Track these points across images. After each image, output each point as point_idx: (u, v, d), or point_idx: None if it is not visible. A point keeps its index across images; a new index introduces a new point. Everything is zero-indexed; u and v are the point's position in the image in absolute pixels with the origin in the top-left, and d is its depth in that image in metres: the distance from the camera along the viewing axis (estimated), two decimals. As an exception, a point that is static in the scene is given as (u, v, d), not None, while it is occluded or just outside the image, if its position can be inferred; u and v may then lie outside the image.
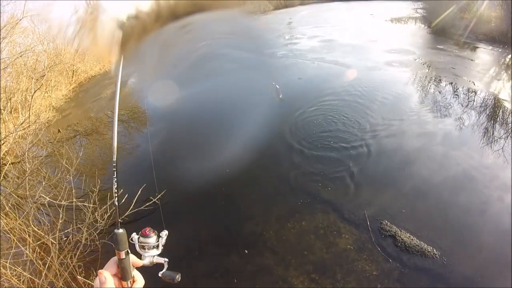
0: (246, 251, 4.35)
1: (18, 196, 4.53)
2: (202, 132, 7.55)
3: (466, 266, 3.90)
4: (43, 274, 2.92)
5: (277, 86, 9.45)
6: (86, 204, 4.06)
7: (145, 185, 5.11)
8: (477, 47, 13.78)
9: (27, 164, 4.72)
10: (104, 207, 4.22)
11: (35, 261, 2.91)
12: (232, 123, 7.89)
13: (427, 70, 10.76)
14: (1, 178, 4.94)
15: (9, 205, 3.91)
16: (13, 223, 3.26)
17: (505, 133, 6.69)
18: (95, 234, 3.82)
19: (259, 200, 5.37)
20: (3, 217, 3.17)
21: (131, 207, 4.69)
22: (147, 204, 4.98)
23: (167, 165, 6.41)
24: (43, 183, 4.49)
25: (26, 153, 5.01)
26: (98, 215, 4.06)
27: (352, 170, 5.68)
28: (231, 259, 4.28)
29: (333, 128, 7.06)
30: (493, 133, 6.74)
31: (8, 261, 2.76)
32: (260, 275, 4.02)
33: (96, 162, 6.96)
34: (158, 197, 5.10)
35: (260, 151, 6.34)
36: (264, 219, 4.89)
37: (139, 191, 4.94)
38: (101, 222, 4.01)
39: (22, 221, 3.31)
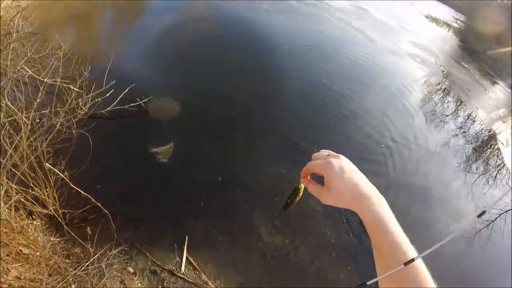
0: (219, 178, 4.27)
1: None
2: (206, 43, 7.09)
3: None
4: (8, 154, 2.65)
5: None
6: (71, 87, 3.66)
7: (134, 85, 4.76)
8: (497, 83, 13.66)
9: (14, 31, 4.11)
10: (89, 95, 3.87)
11: (1, 139, 2.61)
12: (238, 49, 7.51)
13: (442, 78, 10.60)
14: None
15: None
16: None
17: (483, 172, 6.77)
18: (73, 121, 3.45)
19: (245, 136, 5.22)
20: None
21: (114, 104, 4.36)
22: (132, 104, 4.68)
23: (162, 68, 6.02)
24: (28, 54, 3.98)
25: (15, 19, 4.28)
26: (81, 102, 3.69)
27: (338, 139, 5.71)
28: (202, 185, 4.19)
29: (328, 95, 6.83)
30: (470, 167, 6.77)
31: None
32: (227, 205, 4.02)
33: (86, 49, 6.22)
34: (144, 100, 4.81)
35: (261, 92, 6.16)
36: (245, 157, 4.79)
37: (126, 90, 4.57)
38: (83, 110, 3.65)
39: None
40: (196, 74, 6.06)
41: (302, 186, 0.88)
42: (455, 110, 8.78)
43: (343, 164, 0.79)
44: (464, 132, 7.85)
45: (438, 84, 9.97)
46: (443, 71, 11.28)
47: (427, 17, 20.19)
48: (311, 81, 6.98)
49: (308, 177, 0.87)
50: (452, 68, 12.29)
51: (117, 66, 5.67)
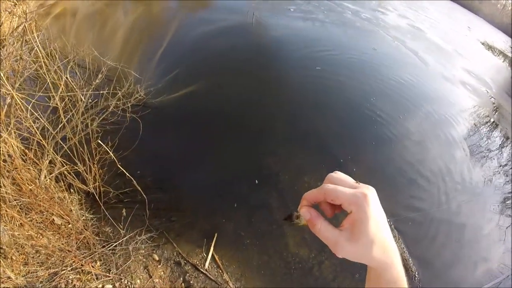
0: (256, 181, 4.26)
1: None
2: (258, 47, 7.14)
3: None
4: (59, 127, 2.77)
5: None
6: (132, 72, 3.79)
7: (178, 70, 5.08)
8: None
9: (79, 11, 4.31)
10: (147, 83, 4.02)
11: (60, 109, 2.67)
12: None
13: (492, 111, 10.09)
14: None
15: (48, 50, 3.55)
16: (49, 67, 2.97)
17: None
18: (128, 105, 3.52)
19: (288, 140, 5.15)
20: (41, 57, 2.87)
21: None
22: (182, 91, 4.91)
23: (211, 57, 6.18)
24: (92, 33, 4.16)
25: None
26: (139, 87, 3.80)
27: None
28: (238, 186, 4.22)
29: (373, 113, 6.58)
30: (508, 208, 6.15)
31: (31, 103, 2.53)
32: (260, 210, 3.98)
33: (144, 32, 6.35)
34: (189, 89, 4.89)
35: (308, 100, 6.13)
36: (286, 161, 4.73)
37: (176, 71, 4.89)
38: (140, 95, 3.74)
39: (59, 69, 3.01)
40: (245, 75, 6.14)
41: (302, 219, 0.63)
42: (500, 146, 8.29)
43: (378, 202, 0.58)
44: (507, 170, 7.40)
45: (487, 116, 9.47)
46: (493, 103, 10.73)
47: (483, 44, 19.39)
48: (358, 96, 6.84)
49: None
50: (503, 101, 11.65)
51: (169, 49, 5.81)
